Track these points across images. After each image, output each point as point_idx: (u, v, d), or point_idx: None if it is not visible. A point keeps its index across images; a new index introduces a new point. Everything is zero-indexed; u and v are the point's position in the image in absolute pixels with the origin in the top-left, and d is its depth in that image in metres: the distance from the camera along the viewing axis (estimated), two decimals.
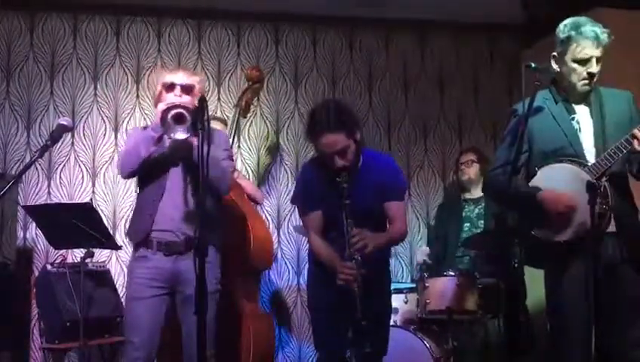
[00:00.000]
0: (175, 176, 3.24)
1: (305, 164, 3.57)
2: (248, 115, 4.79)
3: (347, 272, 3.01)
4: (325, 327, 3.24)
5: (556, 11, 5.02)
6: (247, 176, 5.05)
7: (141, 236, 3.23)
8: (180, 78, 3.27)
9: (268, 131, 5.18)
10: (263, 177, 5.10)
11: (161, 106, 3.15)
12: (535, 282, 3.57)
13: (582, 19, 2.95)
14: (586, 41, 2.89)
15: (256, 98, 4.63)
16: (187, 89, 3.24)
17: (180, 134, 3.02)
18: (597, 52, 2.90)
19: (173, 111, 3.03)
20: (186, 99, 3.19)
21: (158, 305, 3.20)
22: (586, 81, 2.95)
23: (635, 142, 2.77)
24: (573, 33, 2.91)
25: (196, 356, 3.04)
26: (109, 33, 5.07)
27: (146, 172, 3.21)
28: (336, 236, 3.17)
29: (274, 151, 5.18)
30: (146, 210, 3.23)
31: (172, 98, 3.22)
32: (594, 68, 2.92)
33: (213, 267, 3.19)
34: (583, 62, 2.91)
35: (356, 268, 3.01)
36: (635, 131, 2.78)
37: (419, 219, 5.32)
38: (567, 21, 2.98)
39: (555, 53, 2.99)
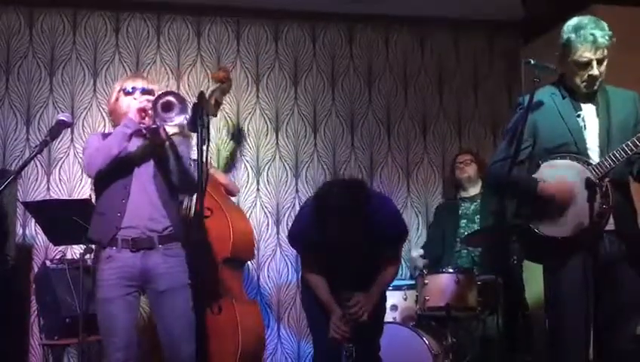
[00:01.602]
0: (141, 174, 3.21)
1: (304, 205, 3.57)
2: (218, 112, 4.76)
3: (340, 333, 3.18)
4: (320, 327, 3.26)
5: (555, 8, 5.04)
6: (246, 171, 5.07)
7: (110, 235, 3.16)
8: (140, 83, 3.30)
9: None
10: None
11: (134, 105, 3.19)
12: (534, 278, 3.57)
13: (584, 20, 2.91)
14: (584, 45, 2.86)
15: (225, 96, 4.63)
16: (147, 93, 3.26)
17: (177, 119, 3.03)
18: (596, 55, 2.87)
19: (160, 101, 3.04)
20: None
21: (131, 304, 3.17)
22: (587, 84, 2.94)
23: None
24: (572, 36, 2.88)
25: (179, 350, 3.08)
26: (109, 29, 5.07)
27: (113, 170, 3.16)
28: (329, 273, 3.27)
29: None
30: (114, 209, 3.17)
31: (132, 101, 3.24)
32: (595, 71, 2.89)
33: (182, 262, 3.19)
34: (583, 65, 2.90)
35: (349, 332, 3.17)
36: None
37: (418, 216, 5.32)
38: (571, 22, 2.94)
39: (557, 54, 2.98)
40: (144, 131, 3.19)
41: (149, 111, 3.13)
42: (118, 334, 3.11)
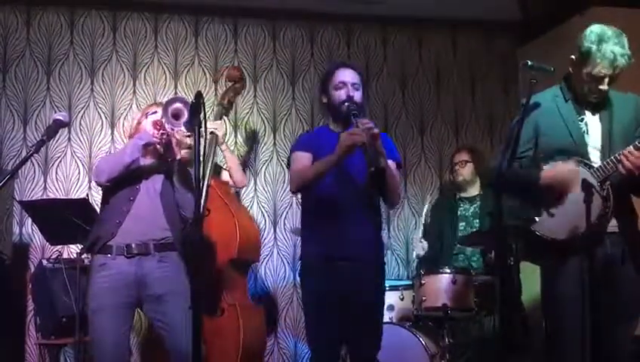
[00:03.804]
0: (149, 188, 3.24)
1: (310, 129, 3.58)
2: (230, 113, 4.76)
3: (359, 132, 2.95)
4: (319, 323, 3.20)
5: (552, 9, 5.04)
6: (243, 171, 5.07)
7: (103, 241, 3.17)
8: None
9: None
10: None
11: (150, 119, 3.26)
12: (531, 278, 3.58)
13: (608, 32, 2.86)
14: (603, 61, 2.83)
15: (238, 96, 4.64)
16: None
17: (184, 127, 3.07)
18: (612, 72, 2.85)
19: (171, 107, 3.06)
20: None
21: (122, 313, 3.15)
22: (595, 95, 2.94)
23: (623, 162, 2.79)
24: (593, 48, 2.84)
25: (187, 353, 3.01)
26: (106, 28, 5.06)
27: (122, 180, 3.18)
28: (328, 218, 3.14)
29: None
30: (114, 217, 3.19)
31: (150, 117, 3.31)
32: (605, 86, 2.88)
33: (178, 268, 3.20)
34: (596, 78, 2.88)
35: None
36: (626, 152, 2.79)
37: (415, 215, 5.31)
38: (594, 30, 2.88)
39: (573, 57, 2.95)
40: (158, 146, 3.22)
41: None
42: (108, 348, 3.09)
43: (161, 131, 3.18)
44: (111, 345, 3.10)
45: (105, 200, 3.30)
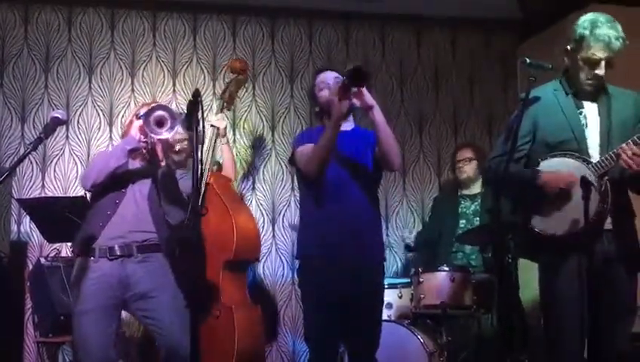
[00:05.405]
0: (135, 192, 3.24)
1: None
2: (232, 107, 4.73)
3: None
4: (317, 322, 3.19)
5: (551, 7, 5.03)
6: (242, 169, 5.06)
7: (86, 244, 3.17)
8: None
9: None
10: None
11: (137, 124, 3.22)
12: (530, 276, 3.57)
13: (601, 18, 2.89)
14: (598, 44, 2.85)
15: (240, 90, 4.62)
16: None
17: (166, 134, 3.08)
18: (607, 55, 2.86)
19: (153, 114, 3.07)
20: None
21: (108, 316, 3.14)
22: (591, 82, 2.94)
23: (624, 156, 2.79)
24: (587, 33, 2.86)
25: (179, 347, 3.00)
26: (104, 26, 5.06)
27: (108, 184, 3.19)
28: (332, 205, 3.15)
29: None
30: (98, 219, 3.20)
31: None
32: (601, 70, 2.89)
33: (163, 267, 3.20)
34: (592, 63, 2.89)
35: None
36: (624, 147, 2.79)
37: (414, 214, 5.31)
38: (587, 17, 2.92)
39: (567, 47, 2.96)
40: (144, 151, 3.22)
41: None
42: (93, 350, 3.07)
43: (145, 139, 3.18)
44: (96, 347, 3.07)
45: (93, 203, 3.29)
